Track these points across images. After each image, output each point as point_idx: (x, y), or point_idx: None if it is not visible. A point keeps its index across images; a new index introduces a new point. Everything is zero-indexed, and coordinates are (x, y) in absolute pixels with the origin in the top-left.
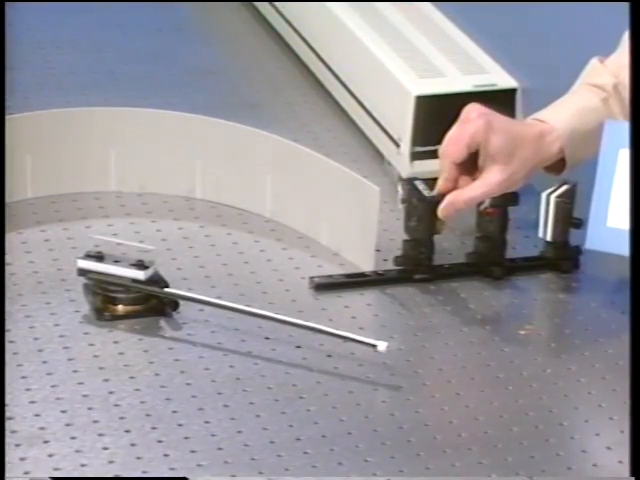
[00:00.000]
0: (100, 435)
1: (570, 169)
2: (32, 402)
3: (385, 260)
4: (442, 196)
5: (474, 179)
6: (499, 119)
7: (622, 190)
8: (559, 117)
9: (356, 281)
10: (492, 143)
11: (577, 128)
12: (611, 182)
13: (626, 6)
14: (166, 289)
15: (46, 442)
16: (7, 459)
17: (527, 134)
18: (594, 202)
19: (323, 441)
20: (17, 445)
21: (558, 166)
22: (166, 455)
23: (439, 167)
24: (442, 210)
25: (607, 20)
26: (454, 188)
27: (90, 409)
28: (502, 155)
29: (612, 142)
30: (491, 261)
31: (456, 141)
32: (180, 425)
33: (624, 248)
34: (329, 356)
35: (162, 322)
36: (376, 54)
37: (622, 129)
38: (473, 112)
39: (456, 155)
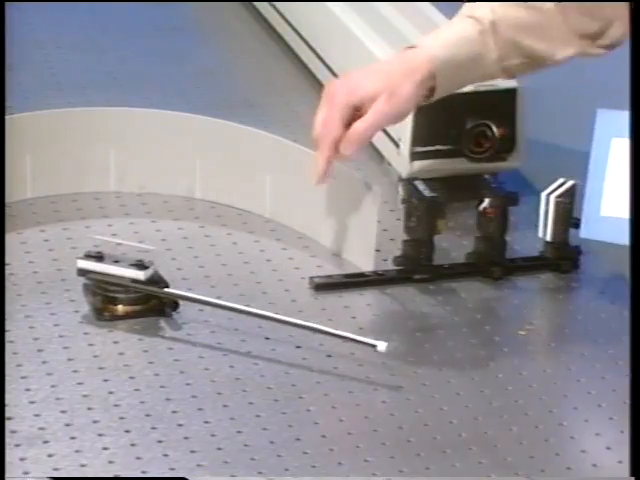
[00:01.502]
0: (100, 435)
1: (439, 96)
2: (32, 402)
3: (385, 260)
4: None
5: None
6: (357, 71)
7: (615, 179)
8: (434, 43)
9: (356, 281)
10: (363, 91)
11: (451, 54)
12: (604, 171)
13: None
14: (166, 289)
15: (46, 442)
16: (7, 459)
17: (393, 62)
18: (587, 192)
19: (323, 441)
20: (17, 445)
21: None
22: (166, 455)
23: (316, 151)
24: (343, 147)
25: None
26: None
27: (90, 409)
28: (379, 90)
29: (604, 131)
30: (491, 261)
31: (329, 120)
32: (180, 425)
33: (618, 236)
34: (329, 356)
35: (162, 322)
36: (376, 54)
37: (614, 118)
38: (331, 86)
39: (335, 130)
